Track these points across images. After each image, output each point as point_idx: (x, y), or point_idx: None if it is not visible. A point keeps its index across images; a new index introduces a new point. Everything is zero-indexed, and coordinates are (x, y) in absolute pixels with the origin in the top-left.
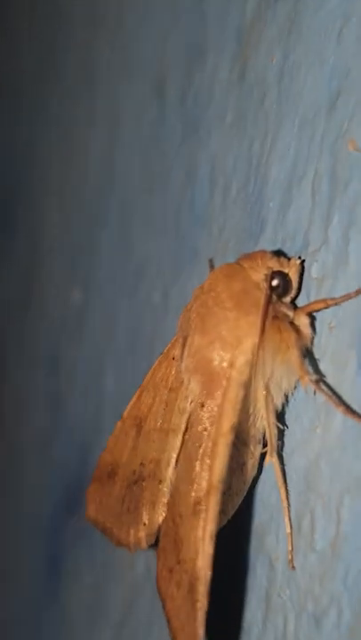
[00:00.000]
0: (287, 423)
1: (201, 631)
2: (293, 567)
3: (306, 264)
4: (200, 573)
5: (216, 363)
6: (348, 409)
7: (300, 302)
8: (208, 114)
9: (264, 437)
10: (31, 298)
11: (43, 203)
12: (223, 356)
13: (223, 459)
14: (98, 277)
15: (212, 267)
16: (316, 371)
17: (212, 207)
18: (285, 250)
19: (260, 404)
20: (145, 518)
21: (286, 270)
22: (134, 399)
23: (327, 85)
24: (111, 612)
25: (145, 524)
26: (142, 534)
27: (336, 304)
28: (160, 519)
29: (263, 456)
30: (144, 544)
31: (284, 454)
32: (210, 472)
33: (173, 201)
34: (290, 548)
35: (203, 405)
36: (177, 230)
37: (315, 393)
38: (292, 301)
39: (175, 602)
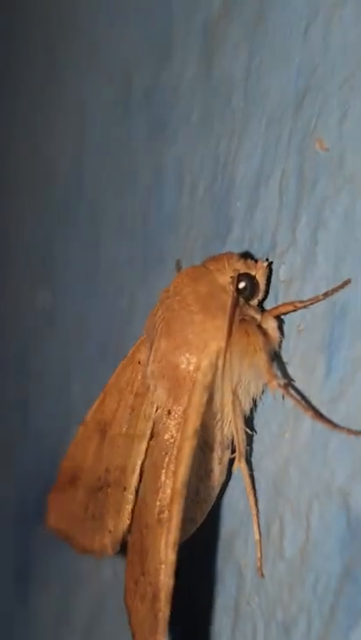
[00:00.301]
0: (256, 428)
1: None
2: (262, 575)
3: (273, 266)
4: (162, 582)
5: (183, 367)
6: (317, 413)
7: (268, 305)
8: (175, 112)
9: (232, 443)
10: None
11: (11, 204)
12: (190, 359)
13: (187, 464)
14: (67, 279)
15: (179, 268)
16: (285, 375)
17: (179, 207)
18: (253, 251)
19: (228, 408)
20: (110, 525)
21: (253, 272)
22: (97, 403)
23: (294, 84)
24: (79, 618)
25: (110, 531)
26: (108, 541)
27: (304, 307)
28: (125, 526)
29: (232, 462)
30: (110, 551)
31: (252, 460)
32: (174, 478)
33: (141, 201)
34: (259, 556)
35: (169, 412)
36: (145, 231)
37: (283, 397)
38: (260, 304)
39: (139, 614)
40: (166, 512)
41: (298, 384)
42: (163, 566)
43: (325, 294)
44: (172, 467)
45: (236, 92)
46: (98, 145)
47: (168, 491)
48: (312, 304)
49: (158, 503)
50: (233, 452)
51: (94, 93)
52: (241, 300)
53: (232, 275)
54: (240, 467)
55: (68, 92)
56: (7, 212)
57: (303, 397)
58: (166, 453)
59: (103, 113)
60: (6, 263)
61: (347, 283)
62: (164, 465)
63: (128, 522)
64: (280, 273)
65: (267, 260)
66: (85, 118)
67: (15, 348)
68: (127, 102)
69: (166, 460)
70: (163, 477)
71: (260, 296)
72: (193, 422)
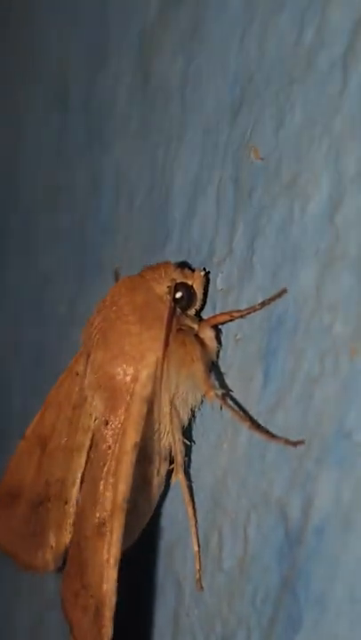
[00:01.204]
0: (194, 439)
1: None
2: (202, 587)
3: (211, 275)
4: (105, 598)
5: (119, 378)
6: (254, 424)
7: (206, 314)
8: (111, 122)
9: (171, 454)
10: None
11: None
12: (126, 370)
13: (127, 478)
14: (3, 289)
15: (117, 277)
16: (222, 385)
17: (117, 216)
18: (191, 260)
19: (166, 419)
20: (52, 540)
21: (190, 282)
22: (38, 417)
23: (230, 92)
24: (20, 633)
25: (52, 547)
26: (50, 557)
27: (242, 316)
28: (67, 540)
29: (170, 473)
30: (52, 566)
31: (191, 471)
32: (114, 492)
33: (78, 212)
34: (198, 568)
35: (107, 423)
36: (82, 240)
37: (221, 408)
38: (197, 314)
39: (82, 627)
40: (107, 525)
41: (235, 394)
42: (105, 582)
43: (262, 304)
44: (110, 478)
45: (172, 100)
46: (33, 156)
47: (107, 503)
48: (249, 314)
49: (97, 515)
50: (171, 463)
51: (29, 104)
52: (178, 309)
53: (169, 284)
54: (178, 478)
55: (1, 102)
56: None
57: (241, 408)
58: (105, 464)
59: (38, 124)
60: None
61: (283, 292)
62: (103, 476)
63: (70, 536)
64: (217, 282)
65: (204, 269)
66: (20, 129)
67: None
68: (63, 112)
69: (105, 470)
70: (101, 488)
71: (198, 305)
72: (132, 435)
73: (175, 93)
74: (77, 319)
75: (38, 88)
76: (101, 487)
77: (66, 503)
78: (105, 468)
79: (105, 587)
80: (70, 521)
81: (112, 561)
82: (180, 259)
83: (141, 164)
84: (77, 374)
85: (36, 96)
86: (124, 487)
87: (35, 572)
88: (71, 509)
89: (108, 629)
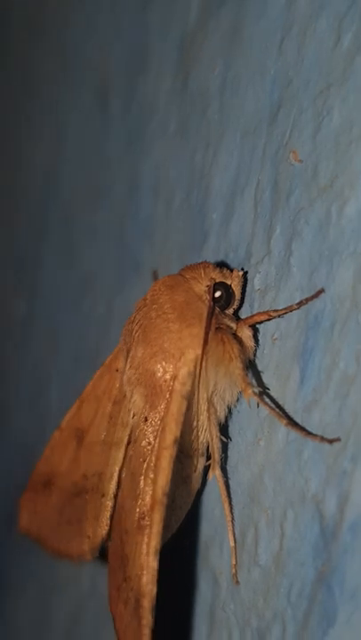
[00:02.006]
0: (231, 436)
1: None
2: (237, 582)
3: (249, 275)
4: (145, 589)
5: (159, 375)
6: (291, 421)
7: (244, 314)
8: (151, 124)
9: (208, 450)
10: None
11: None
12: (166, 368)
13: (167, 472)
14: (42, 288)
15: (155, 278)
16: (259, 383)
17: (155, 218)
18: (228, 261)
19: (204, 416)
20: (89, 531)
21: (229, 282)
22: (73, 410)
23: (269, 96)
24: (56, 627)
25: (89, 537)
26: (86, 547)
27: (279, 316)
28: (103, 532)
29: (207, 469)
30: (88, 556)
31: (227, 467)
32: (154, 486)
33: (117, 212)
34: (234, 563)
35: (146, 419)
36: (120, 242)
37: (258, 405)
38: (235, 313)
39: (123, 620)
40: (147, 519)
41: (272, 392)
42: (145, 573)
43: (299, 304)
44: (150, 474)
45: (211, 104)
46: (73, 157)
47: (147, 497)
48: (286, 313)
49: (138, 510)
50: (208, 459)
51: (70, 107)
52: (217, 308)
53: (208, 284)
54: (215, 474)
55: (43, 105)
56: None
57: (277, 405)
58: (144, 460)
59: (78, 126)
60: None
61: (320, 292)
62: (143, 472)
63: (107, 528)
64: (255, 282)
65: (242, 269)
66: (61, 131)
67: None
68: (104, 114)
69: (144, 466)
70: (141, 484)
71: (236, 305)
72: (172, 431)
73: (214, 97)
74: (115, 318)
75: (80, 90)
76: (141, 482)
77: (103, 496)
78: (145, 464)
79: (145, 578)
80: (108, 514)
81: (152, 553)
82: (218, 259)
83: (180, 165)
84: (117, 370)
85: (78, 97)
86: (163, 481)
87: (69, 560)
88: (108, 502)
89: (149, 620)
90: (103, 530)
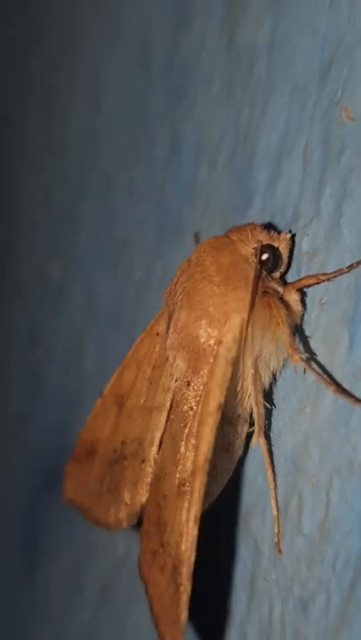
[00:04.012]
0: (275, 403)
1: (184, 615)
2: (280, 551)
3: (296, 238)
4: (184, 556)
5: (203, 340)
6: (339, 388)
7: (290, 278)
8: (194, 82)
9: (251, 417)
10: (6, 272)
11: (22, 174)
12: (210, 332)
13: (209, 439)
14: (79, 251)
15: (197, 241)
16: (307, 349)
17: (197, 179)
18: (275, 223)
19: (248, 382)
20: (127, 498)
21: (276, 244)
22: (115, 376)
23: (319, 53)
24: (90, 593)
25: (127, 504)
26: (123, 514)
27: (328, 279)
28: (142, 499)
29: (250, 436)
30: (125, 524)
31: (271, 435)
32: (195, 452)
33: (158, 173)
34: (276, 531)
35: (189, 384)
36: (161, 203)
37: (304, 372)
38: (282, 276)
39: (158, 586)
40: (187, 485)
41: (320, 358)
42: (184, 540)
43: (350, 267)
44: (192, 440)
45: (258, 61)
46: (114, 115)
47: (188, 463)
48: (336, 277)
49: (178, 475)
50: (251, 426)
51: (111, 62)
52: (263, 272)
53: (255, 246)
54: (258, 441)
55: (84, 61)
56: (19, 183)
57: (325, 372)
58: (185, 425)
59: (120, 83)
60: (18, 235)
61: None
62: (184, 437)
63: (146, 494)
64: (303, 245)
65: (290, 231)
66: (101, 88)
67: (27, 321)
68: (146, 71)
69: (186, 431)
70: (183, 449)
71: (283, 268)
72: (216, 397)
73: (261, 54)
74: (154, 283)
75: (121, 46)
76: (182, 448)
77: (143, 462)
78: (186, 429)
79: (184, 545)
80: (147, 480)
81: (192, 520)
82: (264, 222)
83: (224, 125)
84: (158, 334)
85: (119, 54)
86: (205, 448)
87: (107, 529)
88: (148, 468)
89: (187, 587)
90: (142, 496)
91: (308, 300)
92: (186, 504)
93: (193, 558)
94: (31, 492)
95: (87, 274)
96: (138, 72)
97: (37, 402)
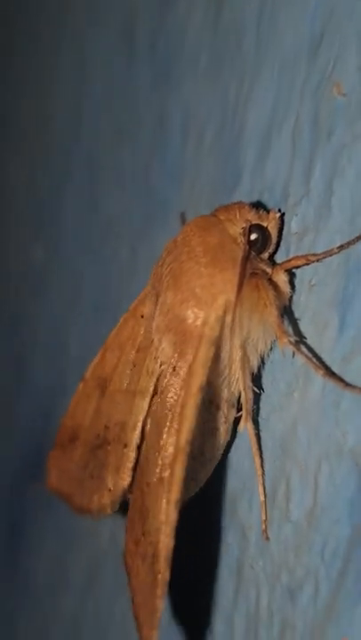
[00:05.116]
0: (263, 387)
1: (160, 604)
2: (267, 538)
3: (286, 217)
4: (163, 543)
5: (189, 322)
6: (329, 372)
7: (279, 258)
8: (181, 58)
9: (239, 402)
10: None
11: (6, 156)
12: (197, 314)
13: (191, 420)
14: (62, 233)
15: (183, 221)
16: (295, 331)
17: (184, 158)
18: (264, 202)
19: (236, 365)
20: (110, 484)
21: (265, 224)
22: (97, 359)
23: (309, 27)
24: (74, 581)
25: (110, 490)
26: (107, 500)
27: (318, 260)
28: (125, 484)
29: (237, 421)
30: (109, 510)
31: (259, 419)
32: (177, 434)
33: (143, 152)
34: (264, 518)
35: (174, 369)
36: (147, 183)
37: (293, 355)
38: (271, 257)
39: (139, 576)
40: (168, 470)
41: (309, 341)
42: (163, 526)
43: (340, 247)
44: (175, 424)
45: (246, 36)
46: (98, 93)
47: (171, 449)
48: (325, 257)
49: (160, 462)
50: (239, 410)
51: (95, 40)
52: (252, 252)
53: (243, 226)
54: (246, 426)
55: (67, 38)
56: (2, 166)
57: (314, 355)
58: (170, 411)
59: (104, 60)
60: (1, 219)
61: None
62: (167, 423)
63: (128, 479)
64: (292, 225)
65: (279, 210)
66: (85, 66)
67: (10, 305)
68: (130, 48)
69: (170, 417)
70: (165, 436)
71: (272, 249)
72: (198, 378)
73: (249, 29)
74: (140, 265)
75: (105, 20)
76: (165, 434)
77: (125, 446)
78: (170, 415)
79: (163, 531)
80: (130, 464)
81: (172, 505)
82: (252, 201)
83: (211, 102)
84: (143, 316)
85: (103, 30)
86: (187, 429)
87: (90, 516)
88: (131, 453)
89: (165, 575)
90: (125, 481)
91: (297, 282)
92: (166, 488)
93: (172, 545)
94: (15, 478)
95: (71, 257)
96: (122, 49)
97: (20, 388)
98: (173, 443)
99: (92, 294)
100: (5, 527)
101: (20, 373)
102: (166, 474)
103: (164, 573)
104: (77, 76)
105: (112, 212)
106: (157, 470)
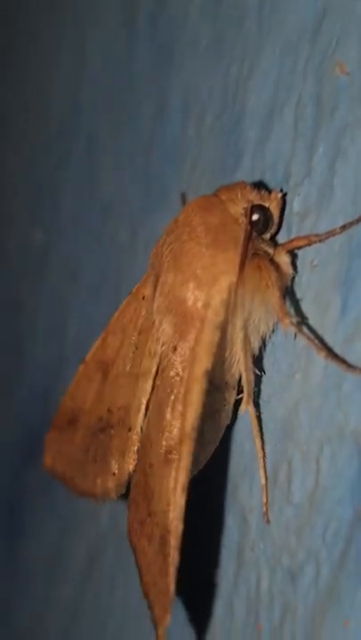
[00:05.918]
0: (265, 369)
1: (173, 586)
2: (268, 520)
3: (288, 198)
4: (171, 526)
5: (190, 303)
6: (331, 353)
7: (281, 239)
8: (182, 38)
9: (240, 384)
10: None
11: (3, 137)
12: (198, 295)
13: (196, 406)
14: (61, 217)
15: (184, 202)
16: (297, 312)
17: (184, 140)
18: (265, 182)
19: (237, 347)
20: (114, 468)
21: (267, 204)
22: (99, 342)
23: (312, 5)
24: (74, 566)
25: (114, 474)
26: (111, 484)
27: (320, 241)
28: (130, 468)
29: (238, 403)
30: (113, 494)
31: (260, 402)
32: (182, 420)
33: (143, 133)
34: (265, 501)
35: (175, 348)
36: (147, 165)
37: (295, 336)
38: (273, 238)
39: (147, 556)
40: (174, 453)
41: (311, 322)
42: (171, 509)
43: (343, 228)
44: (178, 406)
45: (248, 16)
46: (97, 74)
47: (175, 430)
48: (328, 238)
49: (164, 443)
50: (240, 392)
51: (94, 19)
52: (254, 232)
53: (245, 206)
54: (247, 408)
55: (67, 17)
56: None
57: (316, 336)
58: (172, 391)
59: (104, 40)
60: None
61: None
62: (170, 403)
63: (133, 463)
64: (294, 205)
65: (281, 190)
66: (85, 46)
67: (9, 289)
68: (131, 28)
69: (172, 397)
70: (169, 416)
71: (274, 229)
72: (203, 363)
73: (252, 9)
74: (140, 248)
75: (104, 2)
76: (168, 415)
77: (130, 430)
78: (172, 396)
79: (171, 514)
80: (134, 448)
81: (179, 488)
82: (254, 181)
83: (213, 82)
84: (144, 298)
85: (103, 10)
86: (192, 415)
87: (93, 500)
88: (135, 436)
89: (175, 558)
90: (130, 465)
91: (298, 262)
92: (173, 472)
93: (181, 528)
94: (14, 461)
95: (70, 240)
96: (123, 29)
97: (20, 372)
98: (178, 425)
99: (91, 277)
100: (4, 509)
101: (19, 357)
102: (172, 456)
103: (174, 557)
104: (77, 55)
105: (112, 194)
106: (162, 451)
